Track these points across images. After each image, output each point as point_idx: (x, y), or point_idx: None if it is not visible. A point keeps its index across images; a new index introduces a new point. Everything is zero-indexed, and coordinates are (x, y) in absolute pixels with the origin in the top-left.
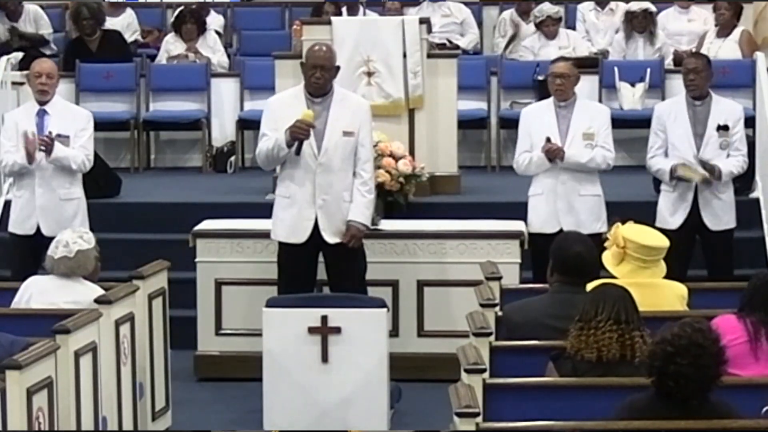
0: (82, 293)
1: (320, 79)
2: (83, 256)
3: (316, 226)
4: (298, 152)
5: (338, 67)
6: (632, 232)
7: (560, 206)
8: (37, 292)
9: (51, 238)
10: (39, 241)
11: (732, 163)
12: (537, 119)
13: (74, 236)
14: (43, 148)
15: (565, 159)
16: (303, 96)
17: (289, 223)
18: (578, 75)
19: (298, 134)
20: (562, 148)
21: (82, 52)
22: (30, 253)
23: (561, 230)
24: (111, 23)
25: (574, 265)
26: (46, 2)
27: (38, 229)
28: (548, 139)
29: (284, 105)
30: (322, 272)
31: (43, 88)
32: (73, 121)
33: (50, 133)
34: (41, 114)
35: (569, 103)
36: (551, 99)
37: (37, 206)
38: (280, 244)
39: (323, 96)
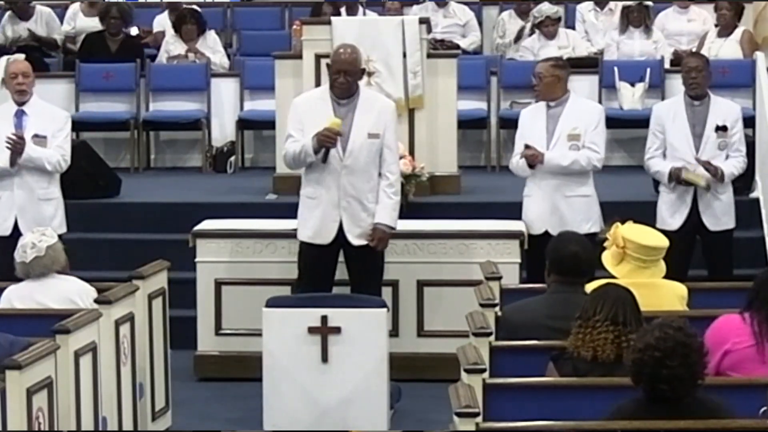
0: (64, 287)
1: (344, 83)
2: (53, 251)
3: (340, 228)
4: (324, 160)
5: (363, 69)
6: (632, 232)
7: (545, 208)
8: (18, 300)
9: None
10: (17, 241)
11: (732, 164)
12: (529, 121)
13: (37, 236)
14: (9, 145)
15: (545, 162)
16: (329, 97)
17: (315, 224)
18: (558, 75)
19: (325, 143)
20: (539, 153)
21: (100, 49)
22: (9, 253)
23: (546, 232)
24: (93, 23)
25: (570, 264)
26: (55, 2)
27: (16, 228)
28: (527, 146)
29: (310, 106)
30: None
31: (21, 88)
32: (51, 121)
33: (23, 138)
34: (19, 114)
35: (560, 102)
36: None
37: (16, 206)
38: (305, 244)
39: (348, 98)
